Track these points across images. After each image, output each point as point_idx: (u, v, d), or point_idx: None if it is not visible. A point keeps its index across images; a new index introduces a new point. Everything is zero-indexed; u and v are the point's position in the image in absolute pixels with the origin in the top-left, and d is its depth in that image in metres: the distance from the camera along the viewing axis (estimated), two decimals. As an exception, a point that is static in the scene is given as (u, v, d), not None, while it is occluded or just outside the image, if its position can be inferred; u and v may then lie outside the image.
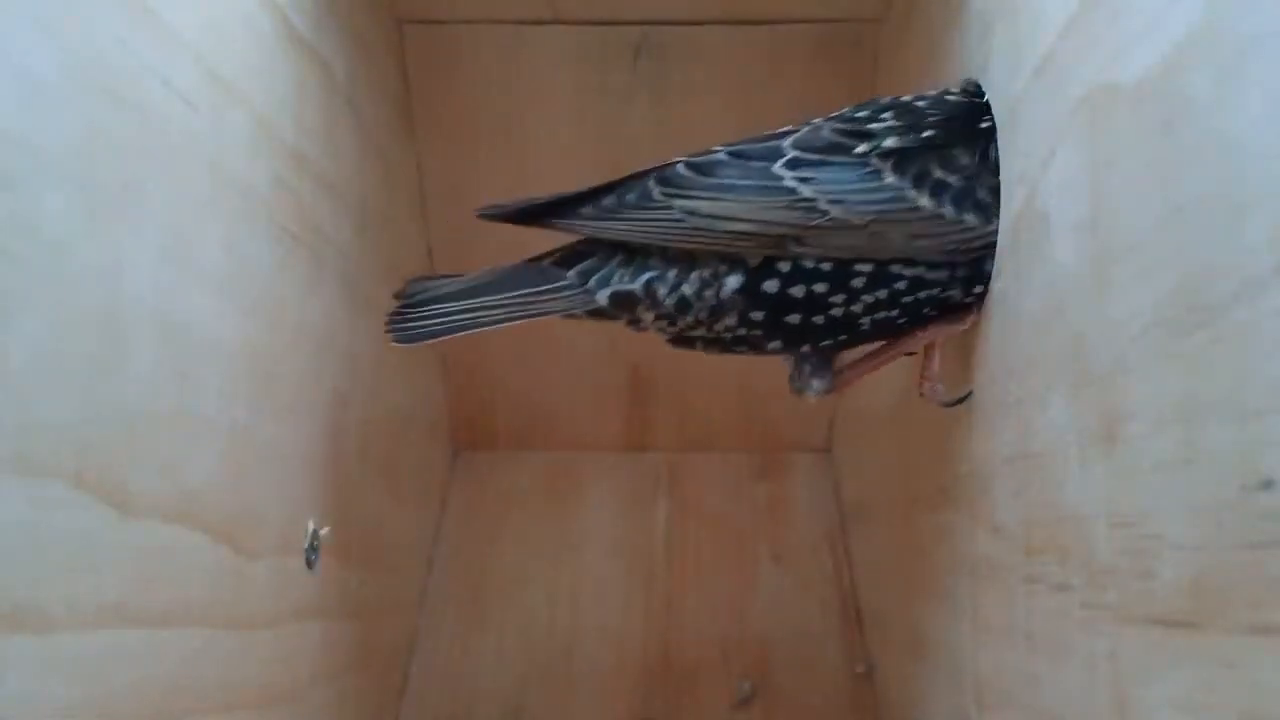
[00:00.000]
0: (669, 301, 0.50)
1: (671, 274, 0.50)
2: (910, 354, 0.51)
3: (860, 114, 0.49)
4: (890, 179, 0.46)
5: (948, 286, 0.47)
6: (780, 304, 0.47)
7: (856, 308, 0.47)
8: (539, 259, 0.53)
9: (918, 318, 0.48)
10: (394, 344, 0.50)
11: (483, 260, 0.81)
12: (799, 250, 0.46)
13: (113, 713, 0.35)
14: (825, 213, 0.46)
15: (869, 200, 0.46)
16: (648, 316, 0.52)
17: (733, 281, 0.48)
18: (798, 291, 0.47)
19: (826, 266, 0.46)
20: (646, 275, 0.50)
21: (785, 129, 0.49)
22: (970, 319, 0.48)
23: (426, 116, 0.74)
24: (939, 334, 0.48)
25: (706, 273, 0.49)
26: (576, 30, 0.71)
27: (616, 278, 0.51)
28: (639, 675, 0.75)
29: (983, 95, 0.47)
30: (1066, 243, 0.36)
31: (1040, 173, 0.39)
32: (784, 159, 0.47)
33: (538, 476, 0.88)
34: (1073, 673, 0.35)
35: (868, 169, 0.46)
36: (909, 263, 0.46)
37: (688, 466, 0.88)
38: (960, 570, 0.49)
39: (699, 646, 0.76)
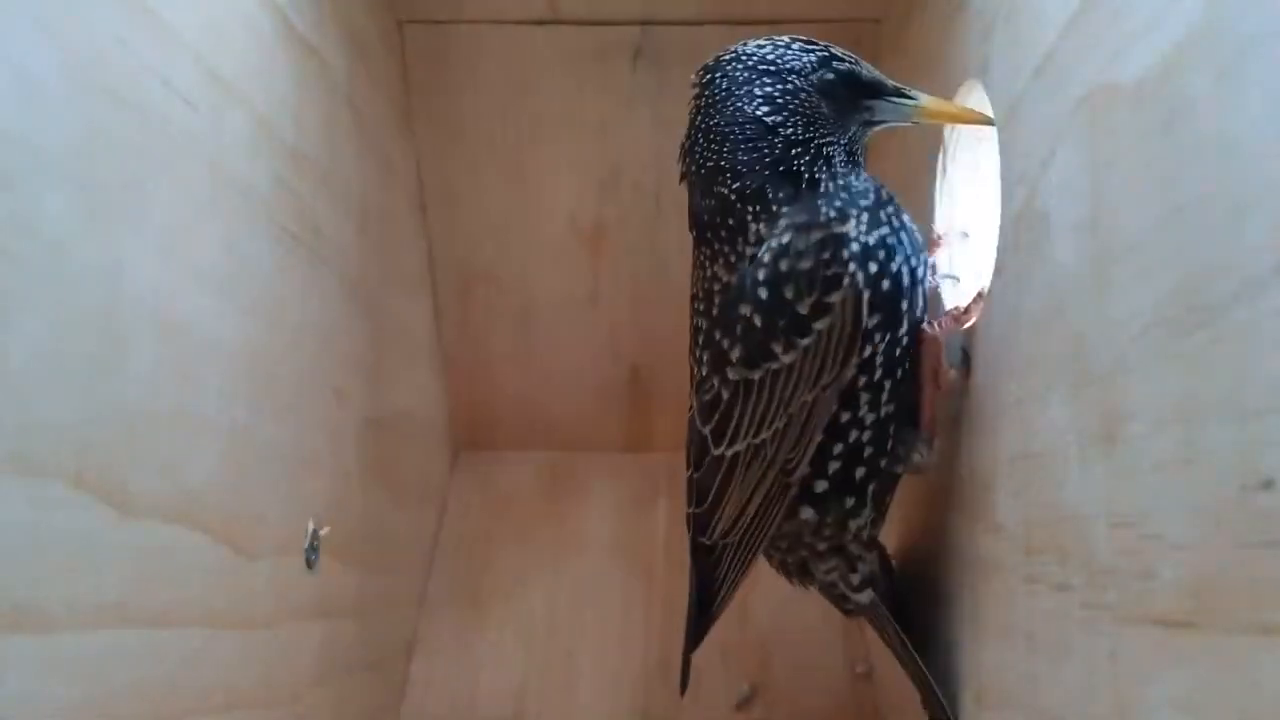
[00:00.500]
0: (783, 569, 0.56)
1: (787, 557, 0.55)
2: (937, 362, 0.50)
3: (704, 362, 0.51)
4: (755, 375, 0.48)
5: (886, 340, 0.47)
6: (844, 481, 0.50)
7: (870, 416, 0.48)
8: None
9: (905, 361, 0.49)
10: None
11: (481, 259, 0.81)
12: (792, 478, 0.49)
13: (113, 713, 0.35)
14: (763, 441, 0.49)
15: (773, 403, 0.48)
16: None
17: (807, 514, 0.51)
18: (837, 461, 0.49)
19: (821, 438, 0.49)
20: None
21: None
22: (971, 314, 0.48)
23: (426, 116, 0.74)
24: (943, 334, 0.49)
25: (786, 529, 0.52)
26: (576, 30, 0.71)
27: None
28: (639, 675, 0.75)
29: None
30: (1066, 243, 0.36)
31: (1040, 173, 0.39)
32: (710, 441, 0.51)
33: (538, 476, 0.88)
34: (1073, 673, 0.35)
35: (745, 385, 0.49)
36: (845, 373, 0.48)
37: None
38: (960, 570, 0.49)
39: (699, 646, 0.76)
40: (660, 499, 0.86)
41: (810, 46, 0.49)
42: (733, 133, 0.49)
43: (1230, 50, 0.26)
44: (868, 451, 0.49)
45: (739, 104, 0.49)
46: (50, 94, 0.32)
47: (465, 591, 0.80)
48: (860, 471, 0.49)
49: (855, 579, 0.53)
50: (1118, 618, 0.32)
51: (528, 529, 0.84)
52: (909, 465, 0.51)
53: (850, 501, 0.50)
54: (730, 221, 0.49)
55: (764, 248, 0.48)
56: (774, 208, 0.48)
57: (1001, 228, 0.44)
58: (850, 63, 0.49)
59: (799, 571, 0.55)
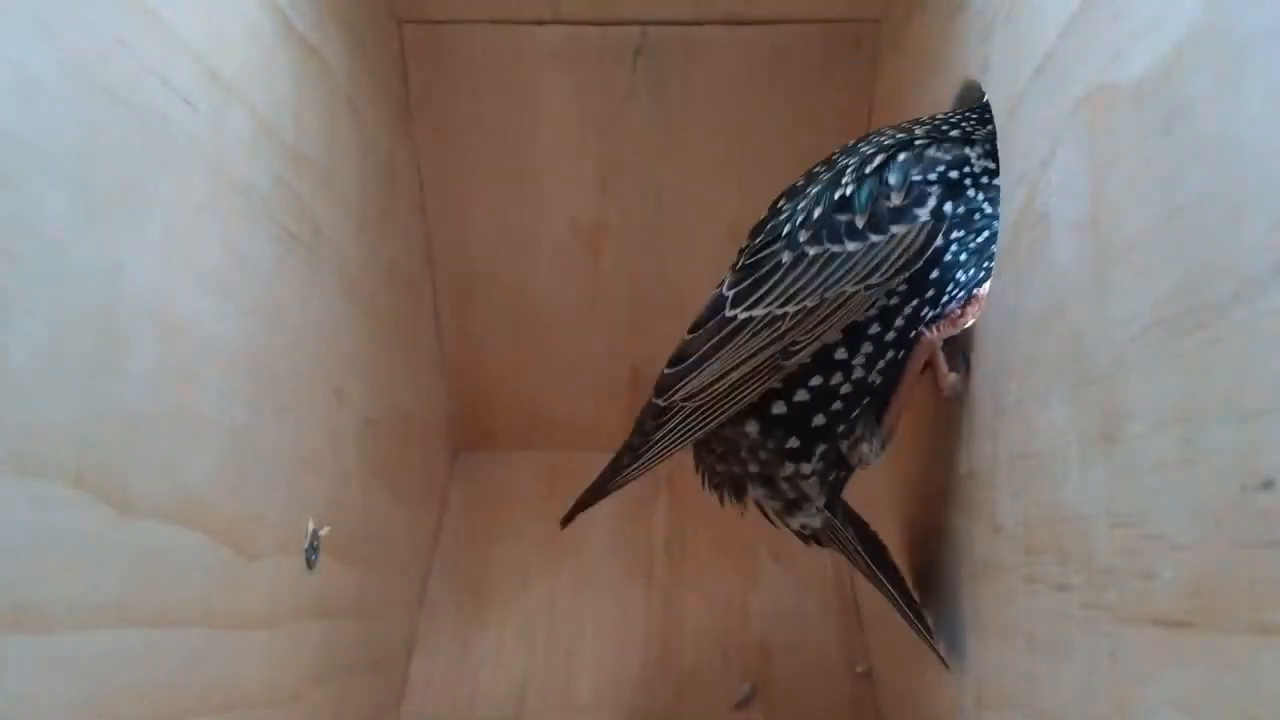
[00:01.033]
0: (711, 480, 0.57)
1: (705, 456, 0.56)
2: (935, 367, 0.50)
3: (762, 234, 0.52)
4: (812, 250, 0.48)
5: (915, 306, 0.48)
6: (799, 417, 0.50)
7: (859, 371, 0.49)
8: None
9: (909, 343, 0.49)
10: None
11: (482, 260, 0.81)
12: (788, 361, 0.49)
13: (113, 713, 0.35)
14: (785, 315, 0.49)
15: (814, 282, 0.48)
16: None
17: (751, 429, 0.52)
18: (802, 396, 0.50)
19: (809, 360, 0.49)
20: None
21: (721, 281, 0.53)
22: (967, 317, 0.48)
23: (426, 116, 0.74)
24: (937, 338, 0.49)
25: (727, 433, 0.53)
26: (576, 30, 0.71)
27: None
28: (639, 675, 0.75)
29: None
30: (1066, 243, 0.36)
31: (1040, 173, 0.39)
32: (729, 302, 0.51)
33: (538, 476, 0.88)
34: (1073, 673, 0.35)
35: (795, 257, 0.49)
36: (871, 307, 0.48)
37: (688, 466, 0.87)
38: (960, 570, 0.49)
39: (699, 646, 0.76)
40: (660, 499, 0.86)
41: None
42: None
43: (1230, 50, 0.26)
44: (835, 405, 0.50)
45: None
46: (50, 94, 0.32)
47: (465, 591, 0.80)
48: (818, 419, 0.50)
49: (792, 518, 0.55)
50: (1118, 618, 0.32)
51: (527, 529, 0.84)
52: (856, 451, 0.51)
53: (794, 442, 0.51)
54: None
55: (892, 135, 0.50)
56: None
57: (1001, 228, 0.44)
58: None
59: (731, 485, 0.56)
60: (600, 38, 0.71)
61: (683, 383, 0.52)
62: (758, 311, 0.49)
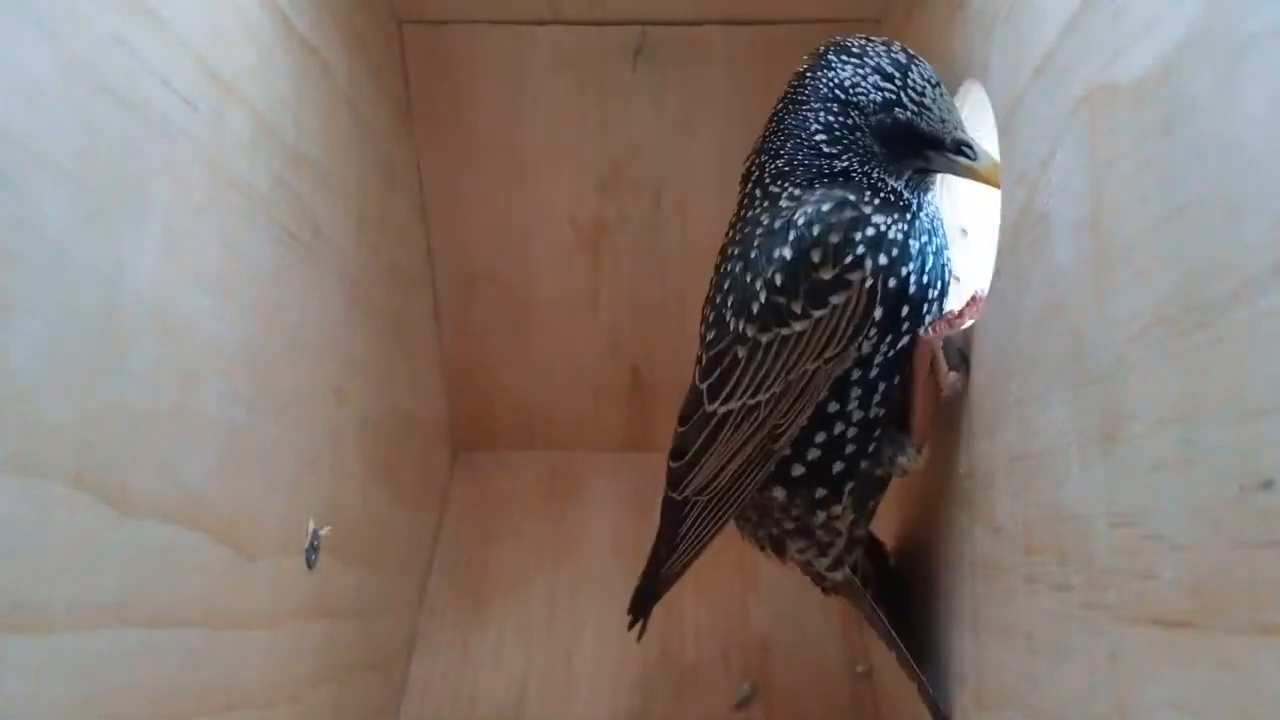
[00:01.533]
0: (757, 544, 0.57)
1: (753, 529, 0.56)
2: (934, 367, 0.50)
3: (709, 331, 0.52)
4: (764, 338, 0.49)
5: (891, 341, 0.48)
6: (818, 471, 0.50)
7: (858, 414, 0.49)
8: None
9: (903, 368, 0.49)
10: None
11: (482, 260, 0.81)
12: (777, 445, 0.50)
13: (113, 713, 0.35)
14: (759, 404, 0.49)
15: (775, 368, 0.49)
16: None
17: (778, 494, 0.52)
18: (818, 450, 0.50)
19: (806, 422, 0.49)
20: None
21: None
22: (964, 317, 0.48)
23: (426, 116, 0.74)
24: (937, 339, 0.49)
25: (757, 499, 0.53)
26: (576, 30, 0.71)
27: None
28: (639, 675, 0.75)
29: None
30: (1066, 243, 0.36)
31: (1040, 173, 0.39)
32: (705, 396, 0.52)
33: (538, 476, 0.88)
34: (1073, 673, 0.35)
35: (750, 349, 0.49)
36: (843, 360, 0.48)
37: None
38: (960, 570, 0.49)
39: (699, 646, 0.76)
40: (660, 499, 0.86)
41: (887, 80, 0.48)
42: (796, 138, 0.50)
43: (1230, 50, 0.26)
44: (849, 449, 0.50)
45: (805, 118, 0.50)
46: (50, 94, 0.32)
47: (465, 591, 0.80)
48: (838, 466, 0.50)
49: (825, 561, 0.55)
50: (1118, 618, 0.32)
51: (528, 529, 0.84)
52: (893, 469, 0.51)
53: (822, 492, 0.51)
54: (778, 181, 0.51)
55: (799, 210, 0.48)
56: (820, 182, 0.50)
57: (1001, 228, 0.44)
58: (914, 111, 0.48)
59: (773, 544, 0.56)
60: (600, 38, 0.71)
61: (688, 478, 0.54)
62: (733, 405, 0.50)
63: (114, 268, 0.35)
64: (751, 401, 0.50)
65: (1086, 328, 0.34)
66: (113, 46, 0.35)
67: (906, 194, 0.49)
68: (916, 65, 0.48)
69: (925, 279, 0.48)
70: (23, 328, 0.31)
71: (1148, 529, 0.30)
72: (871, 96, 0.48)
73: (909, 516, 0.59)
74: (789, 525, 0.54)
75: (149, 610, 0.38)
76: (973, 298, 0.48)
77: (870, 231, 0.47)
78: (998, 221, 0.45)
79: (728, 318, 0.50)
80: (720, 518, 0.54)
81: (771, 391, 0.49)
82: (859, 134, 0.49)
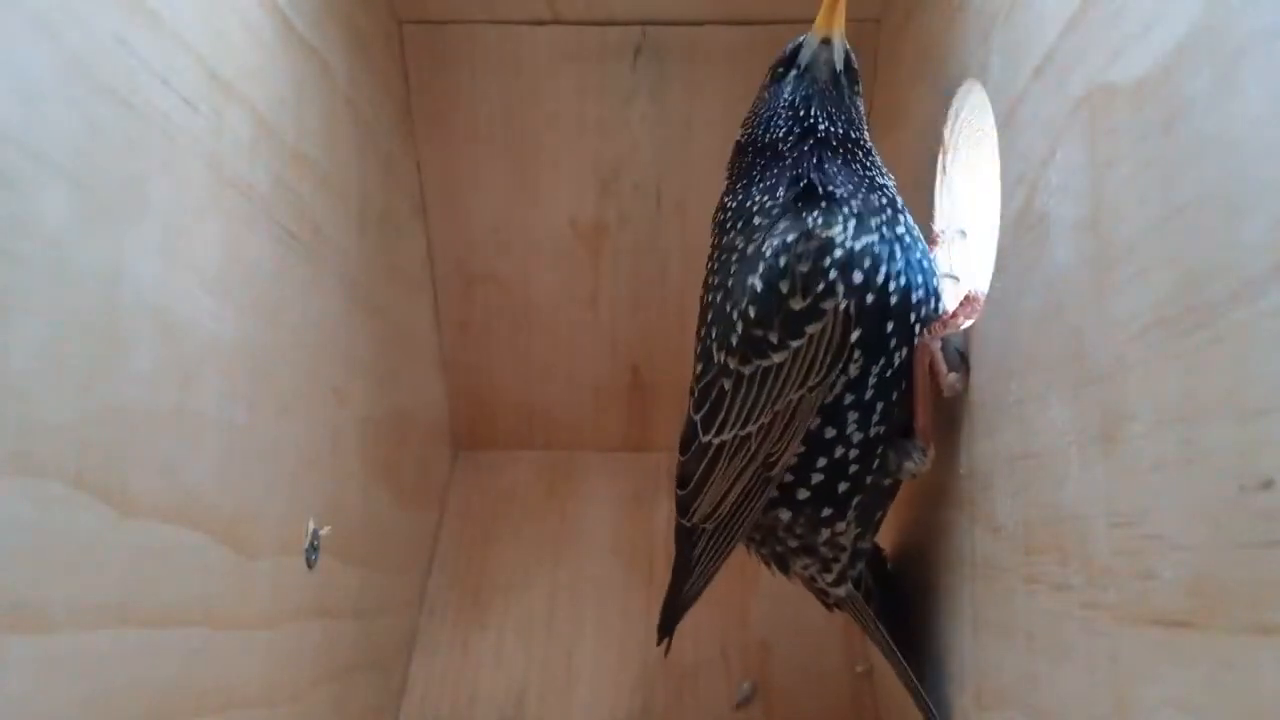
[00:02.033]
0: (762, 560, 0.57)
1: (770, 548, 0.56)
2: (934, 368, 0.50)
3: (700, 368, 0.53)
4: (746, 370, 0.49)
5: (884, 365, 0.48)
6: (823, 492, 0.50)
7: (858, 435, 0.49)
8: None
9: (901, 383, 0.49)
10: None
11: (481, 259, 0.81)
12: (772, 473, 0.50)
13: (113, 713, 0.35)
14: (749, 434, 0.49)
15: (761, 399, 0.49)
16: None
17: (784, 515, 0.52)
18: (820, 475, 0.50)
19: (804, 448, 0.49)
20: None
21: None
22: (959, 317, 0.48)
23: (426, 116, 0.74)
24: (933, 341, 0.49)
25: (763, 520, 0.53)
26: (576, 30, 0.71)
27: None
28: (639, 675, 0.75)
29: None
30: (1066, 243, 0.36)
31: (1040, 173, 0.39)
32: (699, 427, 0.52)
33: (538, 476, 0.88)
34: (1073, 673, 0.35)
35: (734, 381, 0.49)
36: (834, 387, 0.48)
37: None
38: (960, 570, 0.49)
39: (699, 646, 0.76)
40: (660, 498, 0.86)
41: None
42: (756, 147, 0.53)
43: (1230, 50, 0.26)
44: (853, 468, 0.50)
45: (759, 121, 0.54)
46: (50, 94, 0.32)
47: (465, 591, 0.80)
48: (844, 485, 0.50)
49: (829, 577, 0.55)
50: (1118, 618, 0.32)
51: (528, 528, 0.84)
52: (902, 474, 0.51)
53: (827, 511, 0.51)
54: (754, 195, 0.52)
55: (767, 239, 0.48)
56: (780, 200, 0.50)
57: (1001, 228, 0.44)
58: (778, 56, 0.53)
59: (777, 562, 0.56)
60: (600, 38, 0.71)
61: (694, 506, 0.54)
62: (726, 436, 0.51)
63: (114, 268, 0.35)
64: (742, 433, 0.50)
65: (1086, 328, 0.34)
66: (113, 46, 0.35)
67: (868, 178, 0.50)
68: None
69: (904, 280, 0.47)
70: (23, 328, 0.31)
71: (1148, 529, 0.30)
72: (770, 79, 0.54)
73: (909, 516, 0.59)
74: (793, 544, 0.54)
75: (149, 610, 0.38)
76: (966, 298, 0.48)
77: (839, 254, 0.46)
78: (998, 221, 0.45)
79: (713, 350, 0.51)
80: (728, 543, 0.54)
81: (760, 422, 0.49)
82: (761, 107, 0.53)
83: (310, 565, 0.54)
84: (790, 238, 0.47)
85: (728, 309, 0.50)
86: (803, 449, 0.49)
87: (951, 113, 0.53)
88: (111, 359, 0.35)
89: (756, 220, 0.50)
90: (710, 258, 0.53)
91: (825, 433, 0.49)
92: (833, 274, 0.46)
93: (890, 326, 0.47)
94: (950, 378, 0.48)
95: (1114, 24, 0.33)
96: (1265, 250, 0.24)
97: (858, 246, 0.47)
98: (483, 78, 0.73)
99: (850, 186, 0.49)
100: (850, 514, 0.51)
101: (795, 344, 0.47)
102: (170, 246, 0.39)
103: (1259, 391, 0.25)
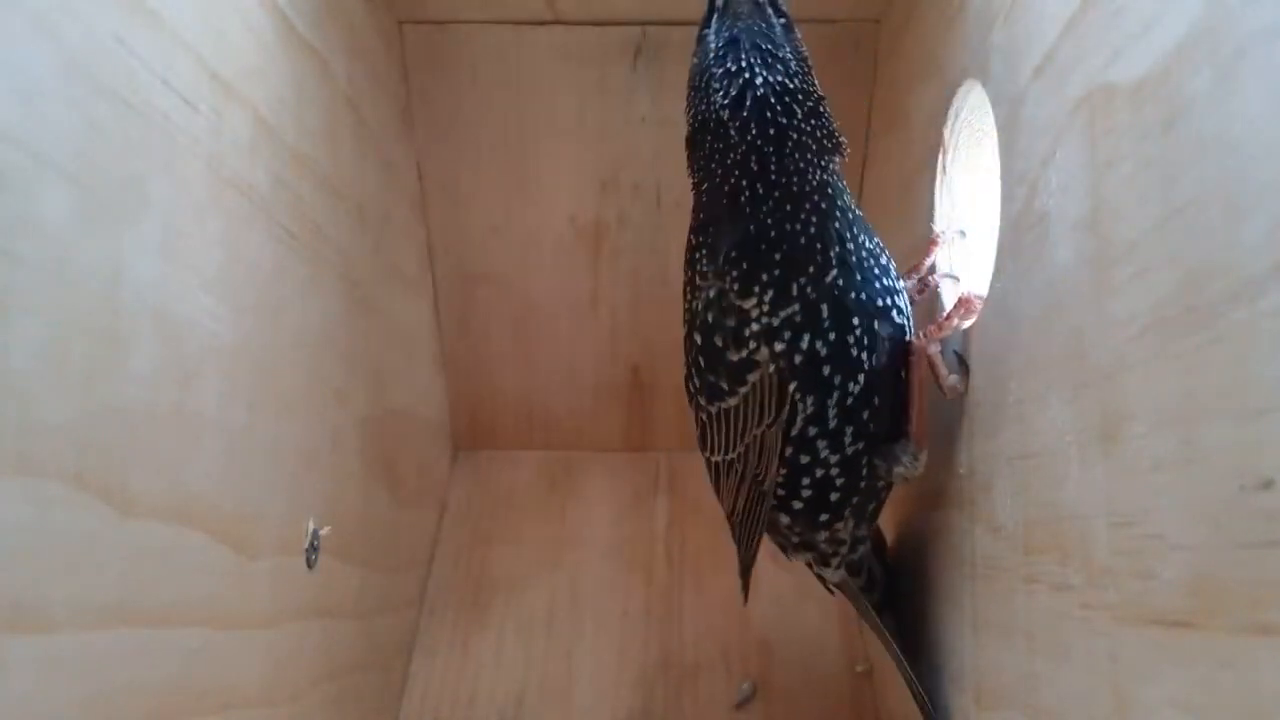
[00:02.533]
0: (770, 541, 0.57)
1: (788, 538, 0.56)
2: (934, 371, 0.50)
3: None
4: (712, 409, 0.50)
5: (839, 397, 0.47)
6: (816, 504, 0.51)
7: (834, 457, 0.49)
8: None
9: (872, 400, 0.48)
10: None
11: (481, 259, 0.81)
12: (764, 488, 0.51)
13: (113, 713, 0.35)
14: (734, 459, 0.51)
15: (731, 433, 0.50)
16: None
17: (783, 520, 0.53)
18: (808, 490, 0.50)
19: (787, 469, 0.50)
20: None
21: None
22: (953, 319, 0.48)
23: (426, 116, 0.74)
24: (928, 343, 0.49)
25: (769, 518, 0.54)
26: (576, 30, 0.71)
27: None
28: (639, 675, 0.75)
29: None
30: (1066, 243, 0.36)
31: (1040, 173, 0.39)
32: (700, 443, 0.54)
33: (538, 476, 0.88)
34: (1073, 673, 0.35)
35: (708, 416, 0.51)
36: (796, 420, 0.48)
37: (688, 466, 0.88)
38: (960, 570, 0.49)
39: (699, 646, 0.76)
40: (660, 498, 0.86)
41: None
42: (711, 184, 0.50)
43: (1230, 50, 0.26)
44: (840, 481, 0.50)
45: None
46: (50, 94, 0.32)
47: (465, 591, 0.80)
48: (835, 495, 0.51)
49: (828, 570, 0.56)
50: (1117, 618, 0.32)
51: (527, 528, 0.84)
52: (893, 479, 0.51)
53: (824, 516, 0.52)
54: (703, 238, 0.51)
55: (703, 293, 0.49)
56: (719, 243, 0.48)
57: (1001, 228, 0.44)
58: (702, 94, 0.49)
59: (782, 549, 0.57)
60: (600, 38, 0.71)
61: (720, 503, 0.56)
62: (717, 457, 0.53)
63: (114, 268, 0.35)
64: (729, 457, 0.51)
65: (1086, 328, 0.34)
66: (113, 46, 0.35)
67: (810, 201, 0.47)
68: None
69: (833, 333, 0.46)
70: (23, 328, 0.31)
71: (1148, 529, 0.30)
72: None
73: (909, 516, 0.59)
74: (794, 539, 0.55)
75: (149, 610, 0.38)
76: (961, 299, 0.48)
77: (755, 327, 0.47)
78: (998, 221, 0.45)
79: (691, 386, 0.52)
80: (752, 535, 0.54)
81: (738, 451, 0.50)
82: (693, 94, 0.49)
83: (310, 565, 0.54)
84: (712, 294, 0.48)
85: (692, 351, 0.51)
86: (785, 471, 0.50)
87: (951, 113, 0.53)
88: (111, 359, 0.35)
89: (702, 265, 0.50)
90: (684, 291, 0.53)
91: (800, 459, 0.49)
92: (753, 343, 0.47)
93: (827, 370, 0.47)
94: (950, 379, 0.48)
95: (1114, 24, 0.33)
96: (1265, 250, 0.24)
97: (775, 322, 0.46)
98: (483, 78, 0.73)
99: (782, 225, 0.46)
100: (847, 514, 0.52)
101: (743, 390, 0.48)
102: (170, 246, 0.39)
103: (1259, 391, 0.25)
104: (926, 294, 0.55)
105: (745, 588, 0.60)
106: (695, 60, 0.50)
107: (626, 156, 0.76)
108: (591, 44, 0.72)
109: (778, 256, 0.46)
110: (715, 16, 0.49)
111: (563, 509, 0.86)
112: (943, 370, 0.49)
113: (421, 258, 0.79)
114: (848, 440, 0.48)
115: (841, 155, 0.49)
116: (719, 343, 0.48)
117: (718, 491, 0.55)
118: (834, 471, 0.49)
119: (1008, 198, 0.44)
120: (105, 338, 0.35)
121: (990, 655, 0.45)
